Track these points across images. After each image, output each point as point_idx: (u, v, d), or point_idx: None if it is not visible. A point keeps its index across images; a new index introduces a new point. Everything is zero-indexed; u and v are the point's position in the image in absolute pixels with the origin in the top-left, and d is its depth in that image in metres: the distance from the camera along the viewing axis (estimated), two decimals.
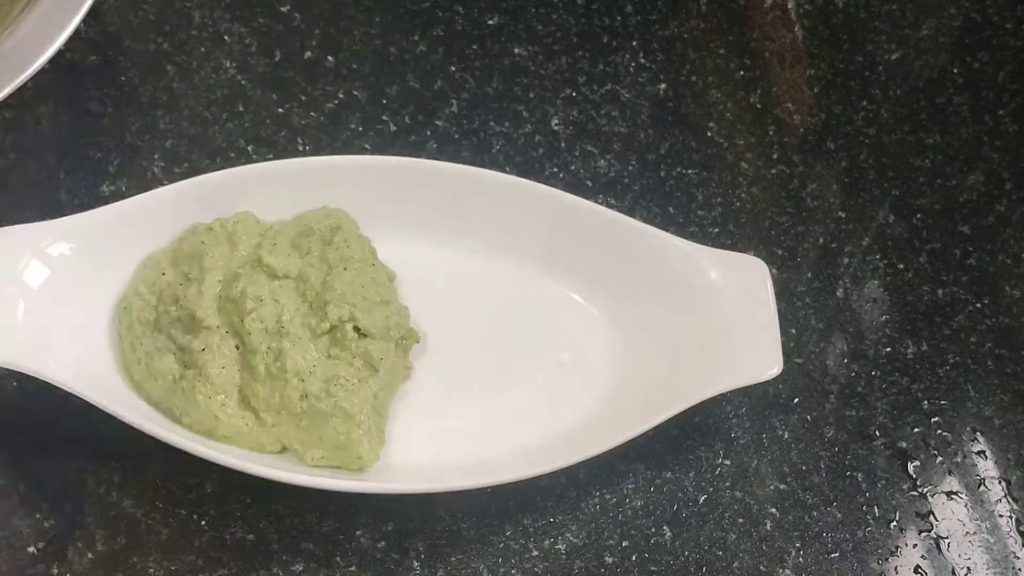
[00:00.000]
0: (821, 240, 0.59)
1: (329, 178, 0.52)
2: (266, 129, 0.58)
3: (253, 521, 0.49)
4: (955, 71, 0.65)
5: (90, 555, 0.48)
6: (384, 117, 0.59)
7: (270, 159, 0.57)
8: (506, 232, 0.53)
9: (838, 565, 0.51)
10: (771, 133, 0.61)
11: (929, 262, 0.59)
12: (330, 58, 0.60)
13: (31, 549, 0.47)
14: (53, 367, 0.46)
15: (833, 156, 0.61)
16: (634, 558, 0.50)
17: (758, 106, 0.62)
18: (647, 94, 0.62)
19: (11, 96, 0.48)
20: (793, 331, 0.56)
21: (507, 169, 0.58)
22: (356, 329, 0.48)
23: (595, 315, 0.53)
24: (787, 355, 0.52)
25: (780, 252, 0.58)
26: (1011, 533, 0.52)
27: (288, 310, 0.48)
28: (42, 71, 0.48)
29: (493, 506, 0.50)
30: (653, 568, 0.50)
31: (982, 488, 0.53)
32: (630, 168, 0.59)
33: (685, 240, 0.53)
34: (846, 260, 0.58)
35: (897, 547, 0.51)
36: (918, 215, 0.60)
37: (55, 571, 0.47)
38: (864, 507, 0.52)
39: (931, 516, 0.52)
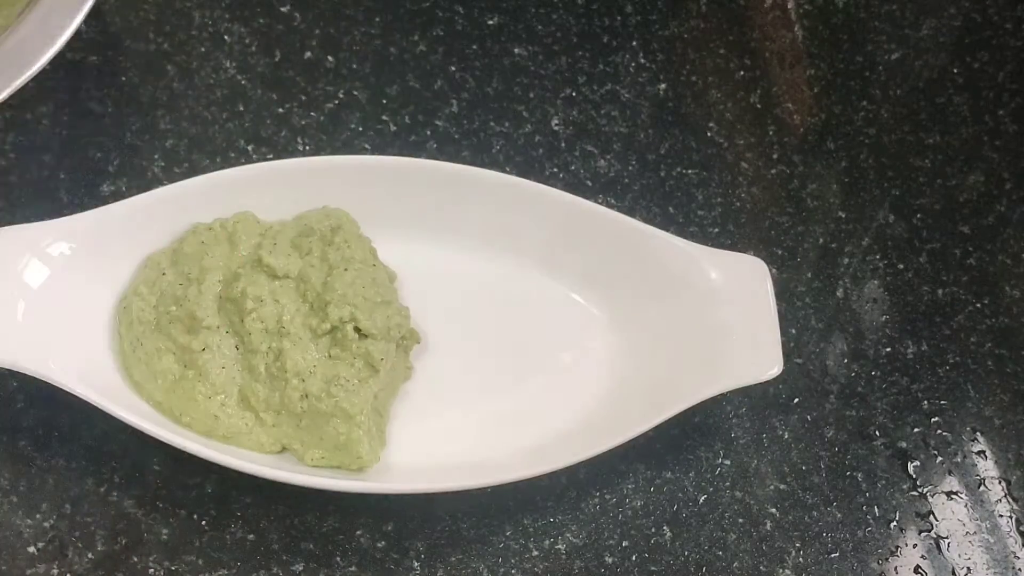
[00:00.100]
0: (821, 240, 0.59)
1: (329, 178, 0.52)
2: (266, 129, 0.58)
3: (253, 521, 0.49)
4: (955, 71, 0.65)
5: (90, 555, 0.48)
6: (384, 117, 0.59)
7: (270, 159, 0.57)
8: (506, 232, 0.53)
9: (838, 565, 0.51)
10: (771, 133, 0.61)
11: (929, 262, 0.59)
12: (330, 58, 0.60)
13: (31, 549, 0.48)
14: (53, 367, 0.46)
15: (833, 156, 0.61)
16: (634, 558, 0.50)
17: (758, 106, 0.62)
18: (647, 94, 0.62)
19: (11, 96, 0.48)
20: (793, 331, 0.56)
21: (507, 169, 0.58)
22: (357, 329, 0.48)
23: (595, 315, 0.53)
24: (787, 355, 0.52)
25: (780, 252, 0.58)
26: (1011, 533, 0.52)
27: (288, 310, 0.48)
28: (42, 71, 0.48)
29: (493, 506, 0.50)
30: (653, 568, 0.50)
31: (982, 488, 0.53)
32: (630, 168, 0.59)
33: (685, 240, 0.53)
34: (846, 260, 0.58)
35: (897, 547, 0.51)
36: (918, 215, 0.60)
37: (55, 571, 0.47)
38: (864, 507, 0.52)
39: (931, 516, 0.52)
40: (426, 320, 0.52)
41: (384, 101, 0.60)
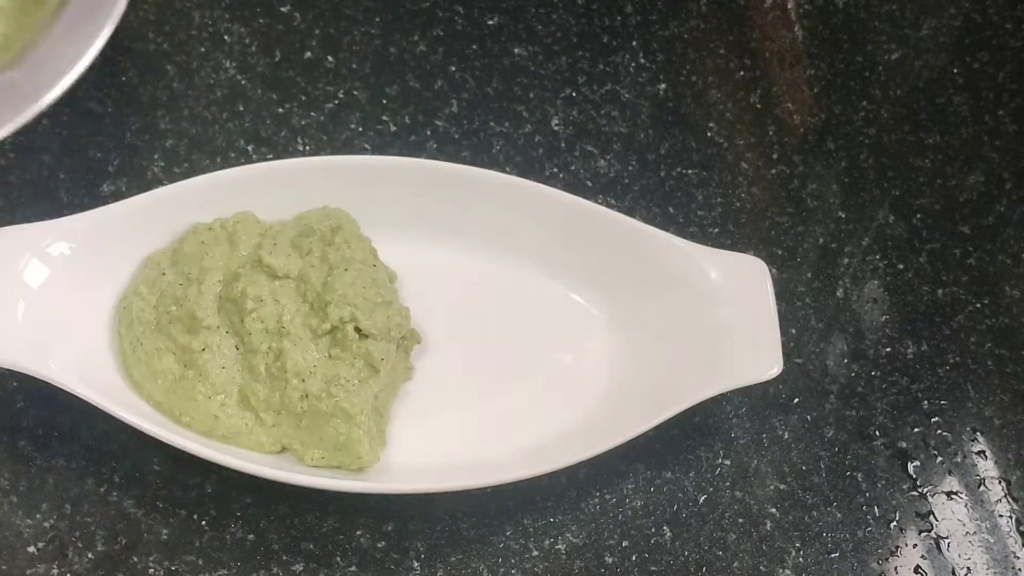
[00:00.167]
0: (821, 240, 0.59)
1: (329, 178, 0.52)
2: (266, 129, 0.58)
3: (253, 521, 0.49)
4: (955, 71, 0.65)
5: (90, 555, 0.48)
6: (384, 117, 0.59)
7: (270, 159, 0.57)
8: (506, 232, 0.53)
9: (838, 565, 0.51)
10: (771, 133, 0.61)
11: (929, 262, 0.59)
12: (330, 58, 0.60)
13: (31, 549, 0.47)
14: (53, 367, 0.46)
15: (833, 156, 0.61)
16: (634, 558, 0.50)
17: (758, 106, 0.62)
18: (647, 94, 0.62)
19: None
20: (793, 331, 0.56)
21: (507, 169, 0.58)
22: (357, 330, 0.48)
23: (595, 315, 0.53)
24: (787, 355, 0.52)
25: (780, 252, 0.58)
26: (1011, 533, 0.52)
27: (289, 310, 0.48)
28: None
29: (493, 506, 0.50)
30: (653, 568, 0.50)
31: (982, 488, 0.53)
32: (630, 168, 0.59)
33: (685, 240, 0.53)
34: (846, 260, 0.58)
35: (897, 547, 0.51)
36: (918, 215, 0.60)
37: (55, 571, 0.47)
38: (864, 507, 0.52)
39: (931, 516, 0.52)
40: (426, 320, 0.52)
41: (384, 101, 0.60)
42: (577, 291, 0.54)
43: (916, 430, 0.54)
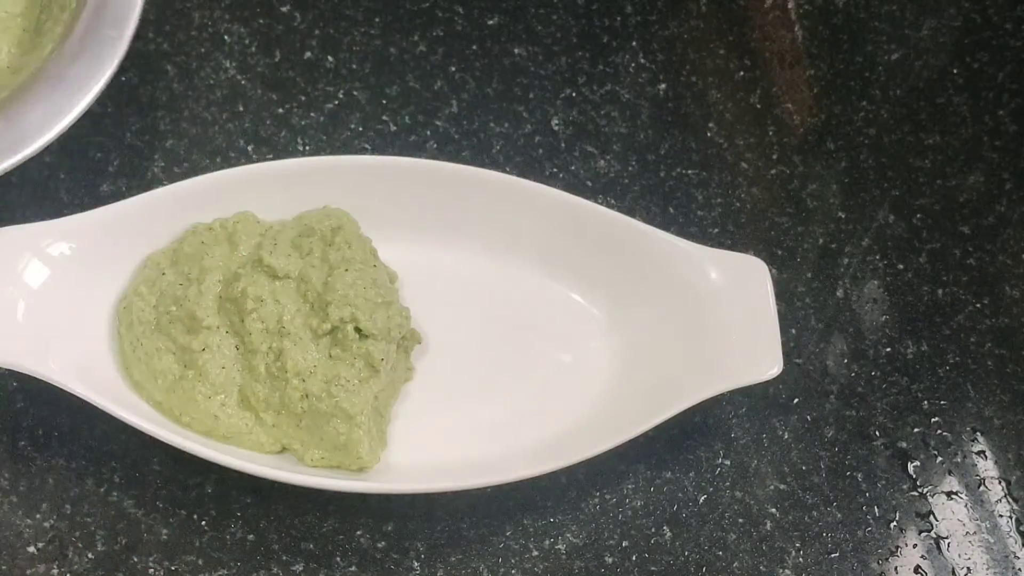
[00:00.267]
0: (821, 240, 0.59)
1: (329, 178, 0.52)
2: (266, 129, 0.58)
3: (253, 521, 0.49)
4: (955, 71, 0.65)
5: (90, 555, 0.48)
6: (384, 117, 0.59)
7: (270, 159, 0.57)
8: (506, 232, 0.53)
9: (838, 565, 0.51)
10: (771, 133, 0.61)
11: (929, 262, 0.59)
12: (330, 58, 0.60)
13: (31, 549, 0.48)
14: (53, 367, 0.46)
15: (833, 156, 0.61)
16: (634, 558, 0.50)
17: (758, 106, 0.62)
18: (647, 94, 0.62)
19: None
20: (793, 331, 0.56)
21: (507, 169, 0.58)
22: (357, 330, 0.48)
23: (595, 315, 0.53)
24: (787, 355, 0.52)
25: (780, 252, 0.58)
26: (1011, 533, 0.52)
27: (289, 310, 0.48)
28: None
29: (493, 506, 0.50)
30: (653, 568, 0.50)
31: (982, 488, 0.53)
32: (630, 168, 0.59)
33: (685, 240, 0.53)
34: (846, 260, 0.58)
35: (897, 547, 0.51)
36: (918, 215, 0.60)
37: (55, 571, 0.47)
38: (864, 507, 0.52)
39: (931, 516, 0.52)
40: (427, 320, 0.52)
41: (384, 101, 0.60)
42: (577, 291, 0.54)
43: (916, 430, 0.54)
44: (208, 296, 0.49)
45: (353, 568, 0.48)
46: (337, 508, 0.49)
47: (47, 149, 0.55)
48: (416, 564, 0.49)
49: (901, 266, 0.58)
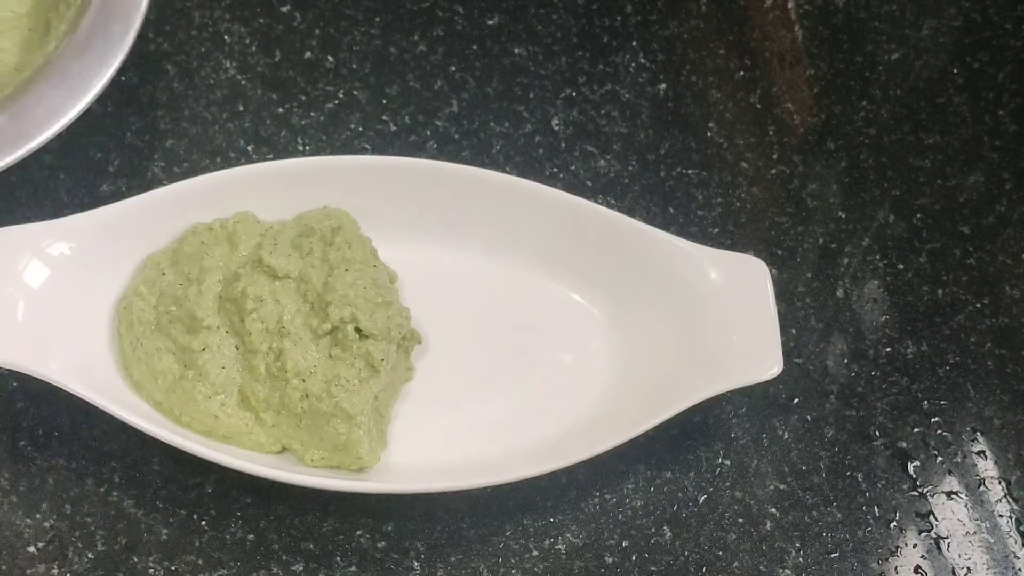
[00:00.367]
0: (821, 240, 0.59)
1: (329, 178, 0.52)
2: (266, 129, 0.58)
3: (253, 521, 0.49)
4: (955, 71, 0.65)
5: (90, 555, 0.48)
6: (384, 117, 0.59)
7: (270, 159, 0.57)
8: (506, 232, 0.53)
9: (838, 565, 0.51)
10: (771, 133, 0.61)
11: (929, 262, 0.59)
12: (330, 58, 0.60)
13: (31, 549, 0.48)
14: (53, 367, 0.46)
15: (833, 156, 0.61)
16: (634, 558, 0.50)
17: (758, 106, 0.62)
18: (647, 94, 0.62)
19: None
20: (793, 331, 0.56)
21: (507, 169, 0.58)
22: (357, 330, 0.48)
23: (595, 315, 0.53)
24: (787, 355, 0.52)
25: (780, 252, 0.58)
26: (1011, 533, 0.52)
27: (289, 310, 0.48)
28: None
29: (493, 506, 0.50)
30: (653, 568, 0.50)
31: (982, 488, 0.53)
32: (630, 168, 0.59)
33: (685, 240, 0.53)
34: (846, 260, 0.58)
35: (897, 547, 0.51)
36: (918, 215, 0.60)
37: (55, 571, 0.47)
38: (864, 507, 0.52)
39: (931, 516, 0.52)
40: (427, 320, 0.52)
41: (384, 101, 0.60)
42: (577, 291, 0.54)
43: (916, 430, 0.54)
44: (208, 296, 0.49)
45: (353, 568, 0.48)
46: (337, 508, 0.49)
47: (48, 149, 0.55)
48: (416, 564, 0.49)
49: (901, 266, 0.58)
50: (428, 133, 0.59)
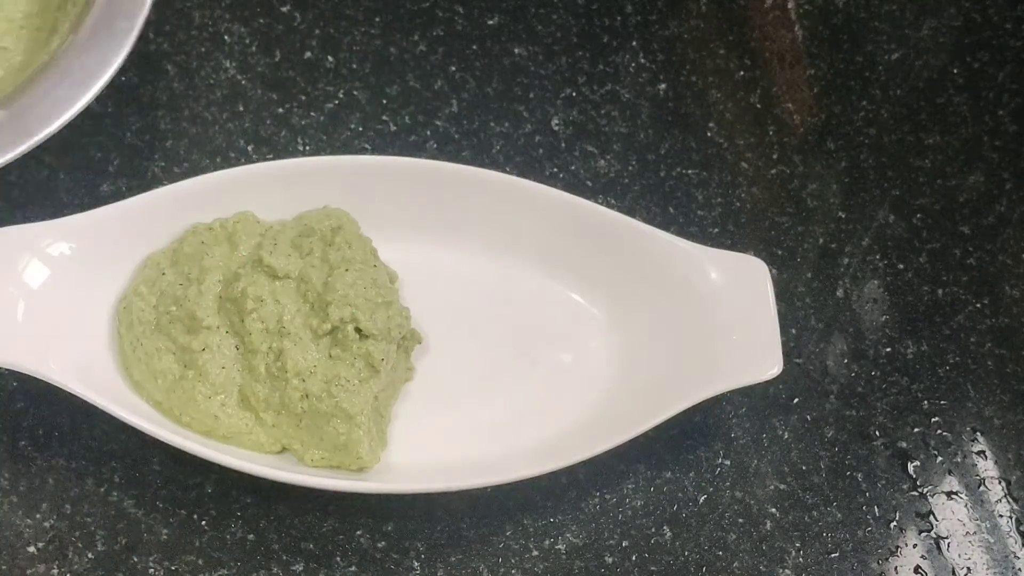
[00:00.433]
0: (821, 240, 0.59)
1: (329, 178, 0.52)
2: (266, 129, 0.58)
3: (253, 521, 0.49)
4: (955, 71, 0.65)
5: (90, 555, 0.48)
6: (384, 117, 0.59)
7: (270, 159, 0.57)
8: (506, 232, 0.53)
9: (838, 565, 0.51)
10: (771, 133, 0.61)
11: (929, 262, 0.59)
12: (330, 58, 0.60)
13: (31, 549, 0.48)
14: (53, 367, 0.46)
15: (833, 156, 0.61)
16: (634, 558, 0.50)
17: (758, 106, 0.62)
18: (647, 94, 0.62)
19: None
20: (793, 331, 0.56)
21: (507, 169, 0.58)
22: (357, 330, 0.48)
23: (595, 315, 0.53)
24: (787, 355, 0.52)
25: (780, 252, 0.58)
26: (1011, 533, 0.52)
27: (289, 310, 0.48)
28: None
29: (493, 506, 0.50)
30: (653, 568, 0.50)
31: (982, 488, 0.53)
32: (630, 168, 0.59)
33: (685, 240, 0.53)
34: (846, 260, 0.58)
35: (897, 547, 0.51)
36: (918, 215, 0.60)
37: (55, 571, 0.47)
38: (864, 507, 0.52)
39: (931, 516, 0.52)
40: (427, 320, 0.52)
41: (384, 101, 0.60)
42: (577, 291, 0.54)
43: (916, 430, 0.54)
44: (208, 296, 0.49)
45: (353, 568, 0.48)
46: (337, 508, 0.49)
47: (48, 149, 0.55)
48: (416, 564, 0.49)
49: (901, 266, 0.58)
50: (428, 133, 0.59)
